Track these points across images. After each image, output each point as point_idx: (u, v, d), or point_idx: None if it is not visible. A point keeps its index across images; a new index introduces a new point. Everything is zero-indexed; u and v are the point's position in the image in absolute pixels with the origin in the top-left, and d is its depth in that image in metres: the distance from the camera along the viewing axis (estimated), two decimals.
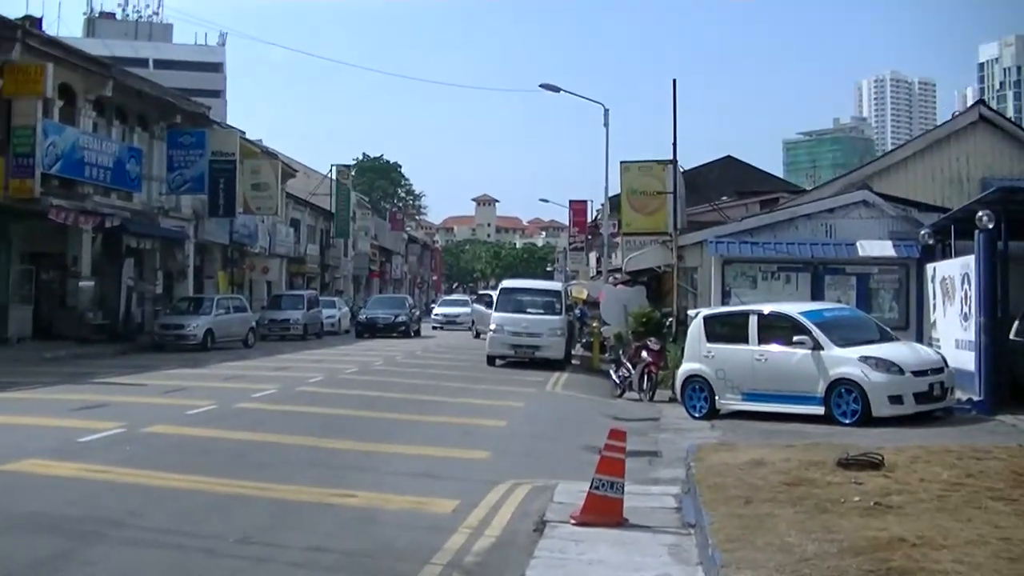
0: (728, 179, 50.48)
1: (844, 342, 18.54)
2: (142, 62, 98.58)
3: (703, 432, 18.03)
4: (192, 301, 41.89)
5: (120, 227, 38.32)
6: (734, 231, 28.28)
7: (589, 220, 77.27)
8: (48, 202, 33.59)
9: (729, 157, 57.35)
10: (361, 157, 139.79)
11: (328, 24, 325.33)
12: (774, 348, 19.19)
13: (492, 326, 33.36)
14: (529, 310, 33.34)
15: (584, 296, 46.79)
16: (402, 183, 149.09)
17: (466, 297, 77.96)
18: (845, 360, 18.09)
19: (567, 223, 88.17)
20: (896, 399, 17.63)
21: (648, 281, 37.74)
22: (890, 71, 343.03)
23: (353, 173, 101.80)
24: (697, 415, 20.20)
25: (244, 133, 54.51)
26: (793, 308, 20.11)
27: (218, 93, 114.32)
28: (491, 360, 33.14)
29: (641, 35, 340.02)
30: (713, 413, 20.05)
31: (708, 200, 41.77)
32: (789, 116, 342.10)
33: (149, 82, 45.57)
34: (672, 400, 22.90)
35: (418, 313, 60.71)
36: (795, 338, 18.70)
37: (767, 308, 20.38)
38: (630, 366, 25.33)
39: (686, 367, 20.90)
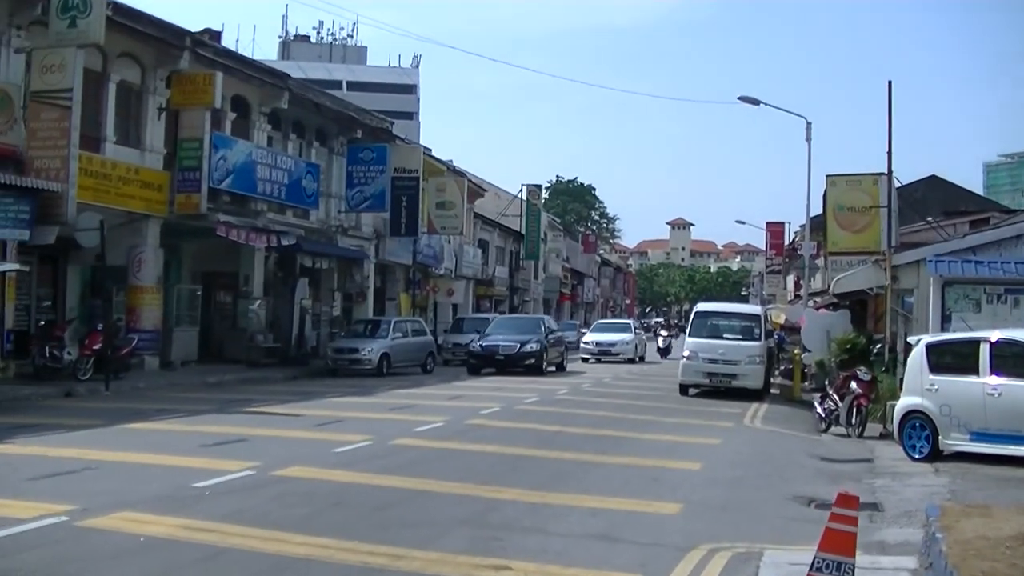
0: (933, 200, 48.16)
1: None
2: (336, 84, 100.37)
3: (927, 478, 15.67)
4: (368, 324, 40.20)
5: (295, 246, 37.20)
6: (955, 249, 25.46)
7: (787, 242, 75.27)
8: (215, 218, 32.43)
9: (934, 177, 54.98)
10: (555, 180, 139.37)
11: (522, 50, 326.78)
12: (1010, 382, 16.54)
13: (685, 352, 31.29)
14: (725, 335, 31.25)
15: (782, 321, 44.92)
16: (596, 206, 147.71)
17: (628, 321, 69.90)
18: None
19: (763, 246, 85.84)
20: None
21: (852, 305, 35.20)
22: None
23: (546, 195, 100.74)
24: (917, 456, 17.65)
25: (429, 150, 53.40)
26: None
27: (411, 115, 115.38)
28: (683, 389, 31.09)
29: (845, 50, 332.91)
30: (936, 455, 17.47)
31: (912, 222, 39.08)
32: (990, 138, 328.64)
33: (329, 95, 44.64)
34: (884, 437, 20.69)
35: (560, 338, 44.97)
36: None
37: (997, 335, 17.57)
38: (837, 398, 22.93)
39: (905, 401, 18.33)
